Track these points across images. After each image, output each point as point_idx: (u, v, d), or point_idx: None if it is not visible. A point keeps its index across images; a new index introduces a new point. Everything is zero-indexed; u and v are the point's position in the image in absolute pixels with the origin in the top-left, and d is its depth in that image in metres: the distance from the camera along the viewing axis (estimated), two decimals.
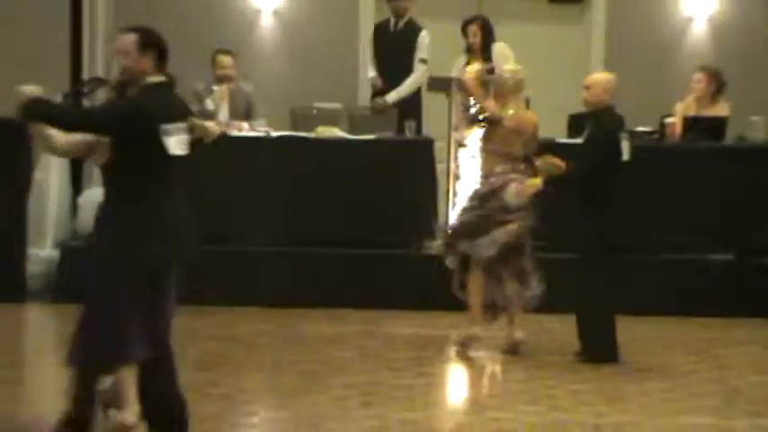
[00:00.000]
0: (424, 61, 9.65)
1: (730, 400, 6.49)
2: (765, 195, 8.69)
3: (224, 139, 8.49)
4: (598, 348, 7.15)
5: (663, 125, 8.89)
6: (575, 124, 8.71)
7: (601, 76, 7.47)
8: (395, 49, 9.73)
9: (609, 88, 7.32)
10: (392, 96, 9.57)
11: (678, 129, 8.82)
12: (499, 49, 9.34)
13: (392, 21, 9.85)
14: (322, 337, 7.75)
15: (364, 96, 10.59)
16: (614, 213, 7.16)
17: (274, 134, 8.93)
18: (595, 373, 6.93)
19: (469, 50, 9.44)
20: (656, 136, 8.90)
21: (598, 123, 7.27)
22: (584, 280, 7.12)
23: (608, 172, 7.14)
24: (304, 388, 6.45)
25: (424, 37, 9.71)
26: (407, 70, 9.68)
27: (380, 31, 9.97)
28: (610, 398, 6.46)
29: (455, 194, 8.74)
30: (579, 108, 7.91)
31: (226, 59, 9.24)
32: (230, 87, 9.18)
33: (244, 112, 9.25)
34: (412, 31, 9.76)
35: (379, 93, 9.85)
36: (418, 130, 9.30)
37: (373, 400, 6.26)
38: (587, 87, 7.32)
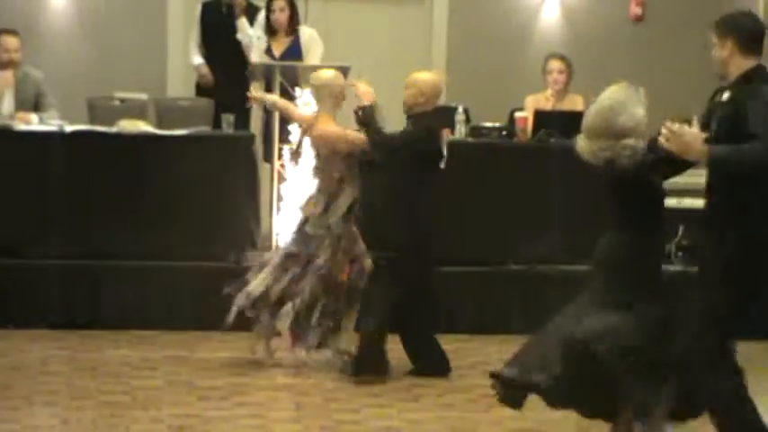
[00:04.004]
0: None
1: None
2: None
3: (6, 134, 8.56)
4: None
5: (513, 120, 9.02)
6: None
7: (423, 77, 7.48)
8: (227, 31, 9.64)
9: (428, 92, 7.39)
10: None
11: (530, 124, 8.94)
12: (309, 35, 9.37)
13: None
14: (124, 363, 7.62)
15: (174, 85, 10.47)
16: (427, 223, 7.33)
17: (68, 128, 8.75)
18: (439, 401, 6.97)
19: (271, 30, 9.43)
20: (504, 133, 9.01)
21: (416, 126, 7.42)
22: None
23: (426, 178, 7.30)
24: (104, 424, 6.32)
25: (262, 17, 9.67)
26: (241, 57, 9.58)
27: (209, 10, 9.87)
28: (454, 428, 6.50)
29: (280, 199, 8.72)
30: None
31: (10, 41, 9.07)
32: (15, 73, 9.04)
33: (32, 102, 9.10)
34: (248, 10, 9.67)
35: (206, 84, 9.76)
36: (240, 124, 9.20)
37: None
38: (406, 87, 7.41)
